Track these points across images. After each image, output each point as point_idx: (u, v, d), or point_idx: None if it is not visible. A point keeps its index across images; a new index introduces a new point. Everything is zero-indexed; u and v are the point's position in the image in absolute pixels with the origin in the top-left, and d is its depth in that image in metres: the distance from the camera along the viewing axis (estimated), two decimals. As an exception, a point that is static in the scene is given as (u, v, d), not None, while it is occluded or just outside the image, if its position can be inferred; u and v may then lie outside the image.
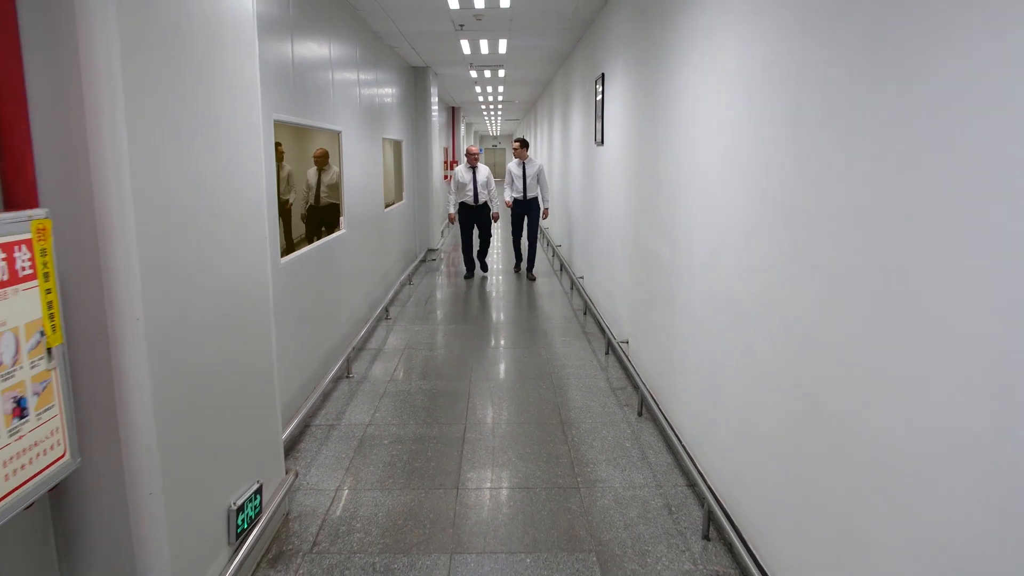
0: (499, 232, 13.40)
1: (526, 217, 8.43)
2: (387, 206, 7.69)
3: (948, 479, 1.42)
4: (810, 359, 2.06)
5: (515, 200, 8.36)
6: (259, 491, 2.58)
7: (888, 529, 1.65)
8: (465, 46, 7.86)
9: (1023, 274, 1.21)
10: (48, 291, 1.51)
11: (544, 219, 9.05)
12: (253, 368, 2.63)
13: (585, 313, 6.71)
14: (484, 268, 8.91)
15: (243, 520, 2.45)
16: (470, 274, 8.72)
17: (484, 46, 7.88)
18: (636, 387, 4.27)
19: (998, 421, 1.28)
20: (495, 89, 12.91)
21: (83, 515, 1.84)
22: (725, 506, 2.76)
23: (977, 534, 1.34)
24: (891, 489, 1.63)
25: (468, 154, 8.36)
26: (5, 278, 1.39)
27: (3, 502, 1.37)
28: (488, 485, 3.28)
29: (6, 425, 1.38)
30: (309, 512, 3.04)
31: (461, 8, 5.86)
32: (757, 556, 2.44)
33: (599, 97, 6.13)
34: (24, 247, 1.44)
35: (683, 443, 3.36)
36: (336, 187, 7.53)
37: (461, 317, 6.75)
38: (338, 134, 5.37)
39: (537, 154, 14.09)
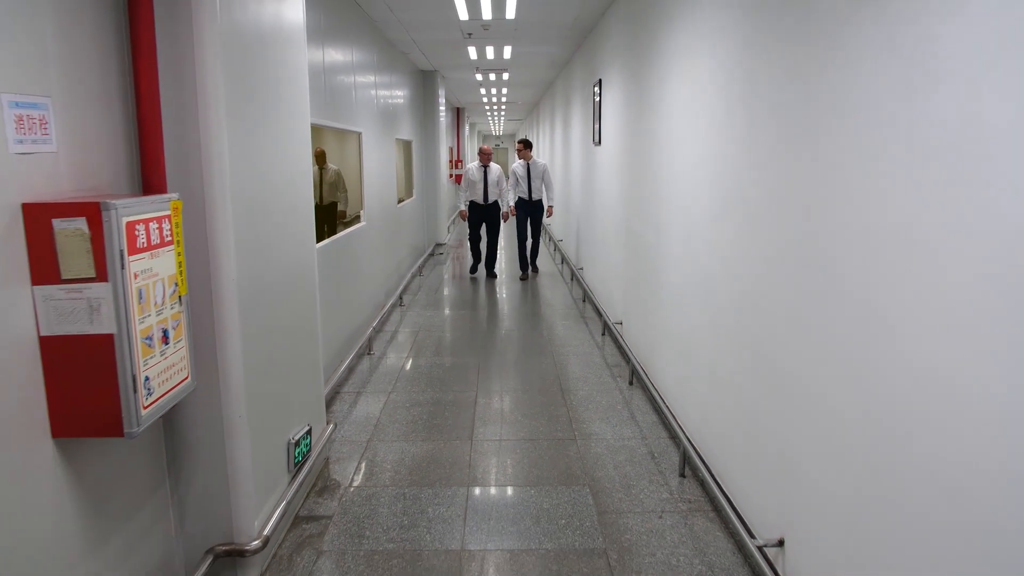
0: (502, 239, 13.90)
1: (531, 219, 8.49)
2: (399, 202, 8.23)
3: (847, 407, 1.95)
4: (758, 318, 2.59)
5: (520, 201, 8.41)
6: (309, 432, 3.12)
7: (813, 448, 2.18)
8: (472, 52, 8.39)
9: (901, 248, 1.74)
10: (179, 254, 2.05)
11: (548, 217, 9.08)
12: (303, 328, 3.17)
13: (584, 301, 7.24)
14: (493, 275, 8.69)
15: (299, 454, 2.98)
16: (475, 268, 8.83)
17: (490, 52, 8.41)
18: (628, 360, 4.80)
19: (881, 359, 1.81)
20: (499, 91, 13.44)
21: (189, 432, 2.37)
22: (698, 448, 3.29)
23: (867, 444, 1.87)
24: (814, 415, 2.16)
25: (481, 152, 8.42)
26: (157, 241, 1.92)
27: (156, 403, 1.90)
28: (498, 437, 3.81)
29: (159, 346, 1.92)
30: (346, 457, 3.57)
31: (470, 19, 6.39)
32: (722, 485, 2.97)
33: (597, 99, 6.66)
34: (166, 221, 1.97)
35: (666, 403, 3.89)
36: (335, 186, 8.04)
37: (469, 304, 7.28)
38: (359, 135, 5.90)
39: (539, 153, 14.62)
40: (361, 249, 5.81)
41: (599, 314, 6.24)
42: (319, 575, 2.59)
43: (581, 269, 7.96)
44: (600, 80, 6.47)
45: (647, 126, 4.49)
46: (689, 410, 3.54)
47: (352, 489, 3.24)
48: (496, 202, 8.45)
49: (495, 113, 19.86)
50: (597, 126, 6.71)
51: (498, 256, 9.37)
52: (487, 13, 6.15)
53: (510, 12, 6.09)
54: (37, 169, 1.72)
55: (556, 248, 10.51)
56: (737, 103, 2.78)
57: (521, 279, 8.56)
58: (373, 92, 6.53)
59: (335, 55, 5.03)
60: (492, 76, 10.86)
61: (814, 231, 2.11)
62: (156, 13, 2.10)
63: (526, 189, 8.33)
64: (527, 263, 8.75)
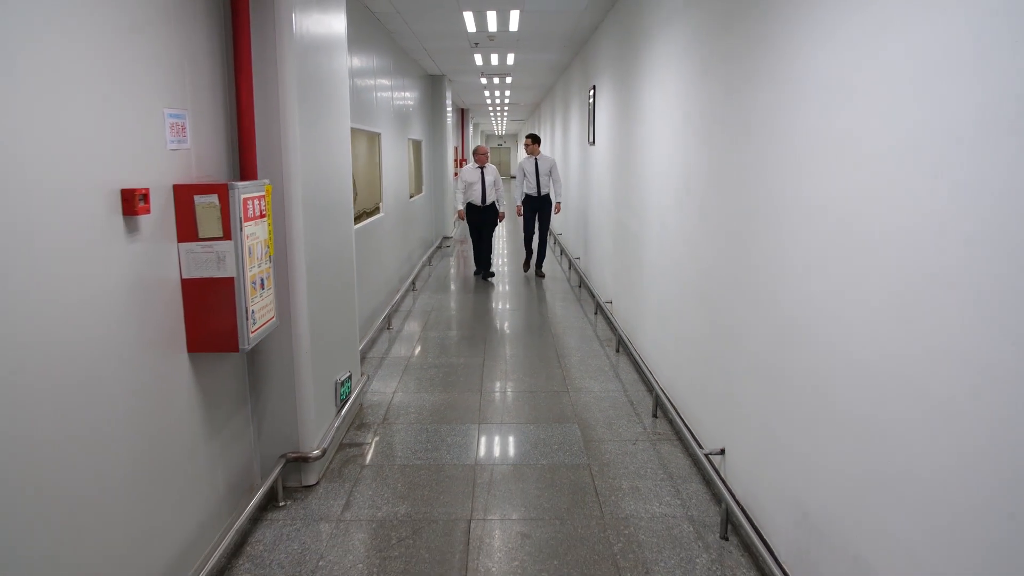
0: (505, 232, 14.61)
1: (538, 215, 8.34)
2: (411, 197, 8.95)
3: (763, 346, 2.67)
4: (711, 283, 3.30)
5: (528, 196, 8.29)
6: (349, 378, 3.83)
7: (743, 379, 2.89)
8: (478, 59, 9.11)
9: (796, 219, 2.45)
10: (270, 224, 2.76)
11: (556, 213, 8.77)
12: (345, 291, 3.88)
13: (580, 287, 7.95)
14: (490, 274, 8.54)
15: (343, 392, 3.70)
16: (479, 272, 8.63)
17: (494, 59, 9.13)
18: (616, 332, 5.52)
19: (785, 298, 2.52)
20: (502, 93, 14.15)
21: (267, 363, 3.09)
22: (667, 395, 4.00)
23: (774, 369, 2.59)
24: (744, 355, 2.88)
25: (476, 153, 8.32)
26: (257, 214, 2.63)
27: (258, 331, 2.62)
28: (502, 390, 4.53)
29: (259, 290, 2.64)
30: (376, 404, 4.30)
31: (477, 31, 7.11)
32: (684, 418, 3.68)
33: (591, 103, 7.37)
34: (262, 199, 2.68)
35: (645, 364, 4.60)
36: None
37: (475, 289, 7.99)
38: (378, 135, 6.62)
39: (542, 151, 15.33)
40: (380, 237, 6.53)
41: (592, 296, 6.96)
42: (364, 480, 3.31)
43: (578, 259, 8.68)
44: (594, 86, 7.19)
45: (632, 129, 5.20)
46: (662, 366, 4.26)
47: (384, 425, 3.97)
48: (493, 204, 8.32)
49: (498, 114, 20.57)
50: (592, 127, 7.42)
51: (493, 257, 9.29)
52: (492, 27, 6.87)
53: (513, 26, 6.81)
54: (180, 161, 2.44)
55: (556, 241, 11.23)
56: (694, 113, 3.50)
57: (525, 271, 8.74)
58: (389, 96, 7.25)
59: (359, 64, 5.74)
60: (496, 80, 11.58)
61: (745, 211, 2.83)
62: (252, 51, 2.82)
63: (534, 184, 8.21)
64: (531, 252, 8.72)
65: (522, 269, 8.97)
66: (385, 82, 7.01)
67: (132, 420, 2.13)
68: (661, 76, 4.24)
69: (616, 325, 5.53)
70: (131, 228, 2.13)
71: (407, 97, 8.59)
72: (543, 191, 8.27)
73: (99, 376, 1.96)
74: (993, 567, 1.40)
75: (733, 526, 2.84)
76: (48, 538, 1.74)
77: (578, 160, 8.81)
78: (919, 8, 1.63)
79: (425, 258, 9.41)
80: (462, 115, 17.88)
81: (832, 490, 2.08)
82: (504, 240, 12.48)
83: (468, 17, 6.46)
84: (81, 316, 1.88)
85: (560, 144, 11.25)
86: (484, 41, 7.69)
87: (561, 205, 9.19)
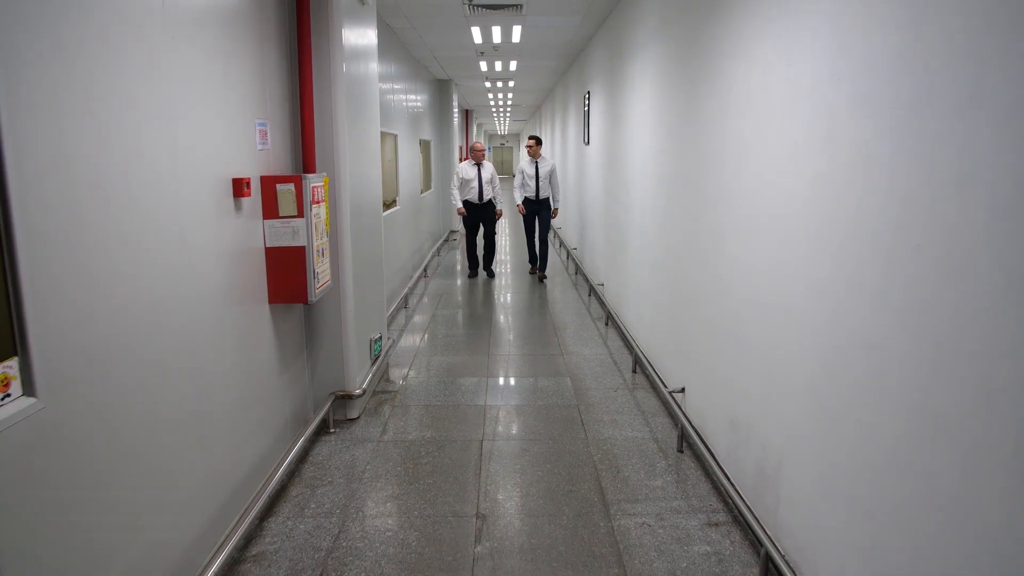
0: (505, 232, 15.40)
1: (537, 217, 8.31)
2: (422, 192, 9.75)
3: (707, 300, 3.47)
4: (674, 258, 4.09)
5: (527, 200, 8.22)
6: (380, 338, 4.63)
7: (695, 328, 3.69)
8: (483, 65, 9.90)
9: (726, 201, 3.25)
10: (327, 207, 3.56)
11: (554, 218, 8.74)
12: (376, 265, 4.68)
13: (576, 273, 8.74)
14: (491, 274, 8.57)
15: (376, 349, 4.50)
16: (474, 273, 8.59)
17: (498, 65, 9.92)
18: (605, 308, 6.31)
19: (719, 259, 3.32)
20: (505, 96, 14.95)
21: (320, 318, 3.88)
22: (645, 354, 4.79)
23: (714, 316, 3.38)
24: (695, 309, 3.68)
25: (473, 150, 8.21)
26: (320, 199, 3.43)
27: (320, 288, 3.42)
28: (506, 354, 5.32)
29: (321, 258, 3.43)
30: (400, 364, 5.09)
31: (483, 43, 7.91)
32: (657, 371, 4.47)
33: (586, 108, 8.16)
34: (321, 188, 3.48)
35: (628, 332, 5.39)
36: None
37: (481, 276, 8.79)
38: (395, 136, 7.42)
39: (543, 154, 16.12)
40: (396, 227, 7.33)
41: (587, 280, 7.75)
42: (395, 416, 4.11)
43: (575, 249, 9.48)
44: (589, 92, 7.98)
45: (619, 130, 6.00)
46: (640, 330, 5.05)
47: (408, 378, 4.76)
48: (491, 201, 8.30)
49: (501, 114, 21.36)
50: (587, 129, 8.21)
51: (496, 255, 9.23)
52: (497, 39, 7.66)
53: (516, 38, 7.60)
54: (263, 158, 3.24)
55: (556, 235, 12.02)
56: (664, 115, 4.29)
57: (531, 273, 8.74)
58: (404, 100, 8.05)
59: (382, 69, 6.53)
60: (499, 84, 12.37)
61: (697, 198, 3.62)
62: (314, 74, 3.62)
63: (533, 188, 8.13)
64: (535, 257, 8.59)
65: (527, 268, 9.05)
66: (400, 87, 7.80)
67: (235, 356, 2.93)
68: (640, 86, 5.04)
69: (606, 302, 6.32)
70: (238, 208, 2.93)
71: (418, 100, 9.39)
72: (542, 195, 8.19)
73: (219, 317, 2.75)
74: (845, 429, 2.19)
75: (687, 443, 3.64)
76: (176, 444, 2.54)
77: (575, 158, 9.60)
78: (785, 53, 2.42)
79: (434, 250, 10.22)
80: (467, 116, 18.66)
81: (749, 402, 2.87)
82: (506, 235, 13.29)
83: (475, 31, 7.26)
84: (210, 272, 2.68)
85: (559, 143, 12.04)
86: (489, 51, 8.48)
87: (559, 211, 9.08)
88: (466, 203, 8.28)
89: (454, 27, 7.06)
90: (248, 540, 2.81)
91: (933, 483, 1.64)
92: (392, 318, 6.40)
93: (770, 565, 2.52)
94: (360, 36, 4.15)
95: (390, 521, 2.97)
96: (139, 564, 2.14)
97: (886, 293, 1.83)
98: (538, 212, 8.29)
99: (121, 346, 2.05)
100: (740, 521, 2.91)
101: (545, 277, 8.46)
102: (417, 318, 6.52)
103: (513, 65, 9.87)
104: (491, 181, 8.27)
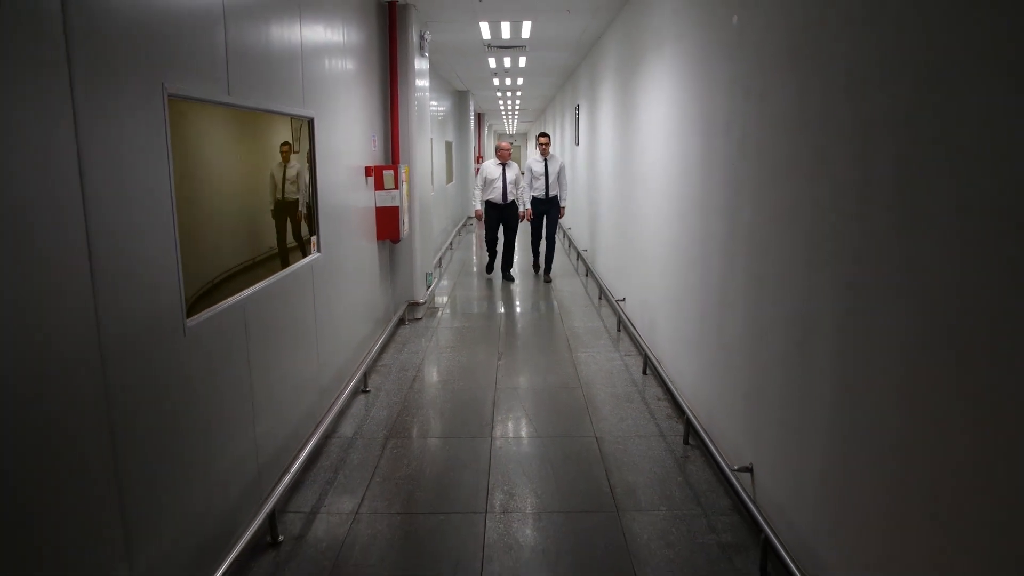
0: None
1: (545, 217, 8.25)
2: (447, 183, 12.14)
3: (647, 263, 5.85)
4: (639, 230, 6.46)
5: (535, 199, 8.16)
6: (430, 274, 7.02)
7: (647, 282, 6.06)
8: (495, 81, 12.28)
9: (657, 192, 5.62)
10: (407, 184, 5.94)
11: (562, 217, 8.64)
12: (430, 226, 7.06)
13: (578, 259, 11.10)
14: (511, 278, 8.41)
15: (428, 280, 6.88)
16: (490, 269, 8.62)
17: (508, 81, 12.30)
18: (598, 285, 8.67)
19: (639, 232, 5.69)
20: (513, 103, 17.32)
21: (398, 254, 6.26)
22: (628, 317, 7.14)
23: (642, 271, 5.76)
24: (644, 270, 6.05)
25: (498, 149, 8.18)
26: (404, 179, 5.80)
27: (405, 232, 5.79)
28: (514, 320, 7.70)
29: (404, 214, 5.82)
30: (441, 294, 7.48)
31: (496, 67, 10.29)
32: (632, 323, 6.82)
33: (576, 116, 10.51)
34: (404, 172, 5.85)
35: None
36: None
37: (496, 274, 11.18)
38: (430, 139, 9.81)
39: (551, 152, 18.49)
40: (433, 209, 9.72)
41: (599, 285, 10.12)
42: (443, 320, 6.51)
43: (570, 228, 11.83)
44: (578, 105, 10.34)
45: (596, 135, 8.35)
46: (629, 304, 7.41)
47: (446, 302, 7.15)
48: (514, 202, 8.18)
49: (509, 116, 23.73)
50: (576, 133, 10.56)
51: (515, 258, 8.97)
52: (507, 64, 10.04)
53: (522, 64, 9.97)
54: (373, 155, 5.62)
55: (564, 235, 14.39)
56: (616, 127, 6.64)
57: (534, 270, 8.81)
58: (435, 110, 10.44)
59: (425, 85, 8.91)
60: (508, 94, 14.74)
61: (627, 176, 5.98)
62: (399, 105, 6.01)
63: (542, 186, 8.07)
64: (539, 260, 8.64)
65: (532, 271, 8.97)
66: (433, 101, 10.19)
67: (361, 272, 5.31)
68: (605, 106, 7.40)
69: (600, 280, 8.68)
70: (367, 183, 5.31)
71: (443, 109, 11.78)
72: (551, 193, 8.14)
73: (360, 252, 5.12)
74: (681, 301, 4.56)
75: (623, 327, 6.00)
76: (346, 319, 4.93)
77: (569, 155, 11.96)
78: (653, 99, 4.78)
79: (455, 230, 12.61)
80: (479, 119, 21.03)
81: (647, 290, 5.22)
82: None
83: (491, 60, 9.64)
84: (359, 221, 5.07)
85: (558, 141, 14.41)
86: (502, 71, 10.86)
87: (566, 209, 8.78)
88: (489, 203, 8.15)
89: (475, 58, 9.44)
90: (373, 362, 5.19)
91: (690, 326, 4.00)
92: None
93: (648, 361, 4.89)
94: (421, 78, 6.54)
95: (449, 353, 5.38)
96: (346, 359, 4.52)
97: (694, 227, 4.19)
98: (546, 212, 8.23)
99: (343, 245, 4.43)
100: (641, 351, 5.26)
101: (550, 280, 8.47)
102: (448, 275, 8.92)
103: (520, 80, 12.24)
104: (515, 182, 8.12)
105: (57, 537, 1.68)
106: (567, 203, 8.72)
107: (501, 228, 8.27)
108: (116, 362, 1.89)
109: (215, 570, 2.37)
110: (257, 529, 2.67)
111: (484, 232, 8.37)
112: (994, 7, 1.47)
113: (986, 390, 1.48)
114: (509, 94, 14.88)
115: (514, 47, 8.42)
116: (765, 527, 2.59)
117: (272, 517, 2.81)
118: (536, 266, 8.74)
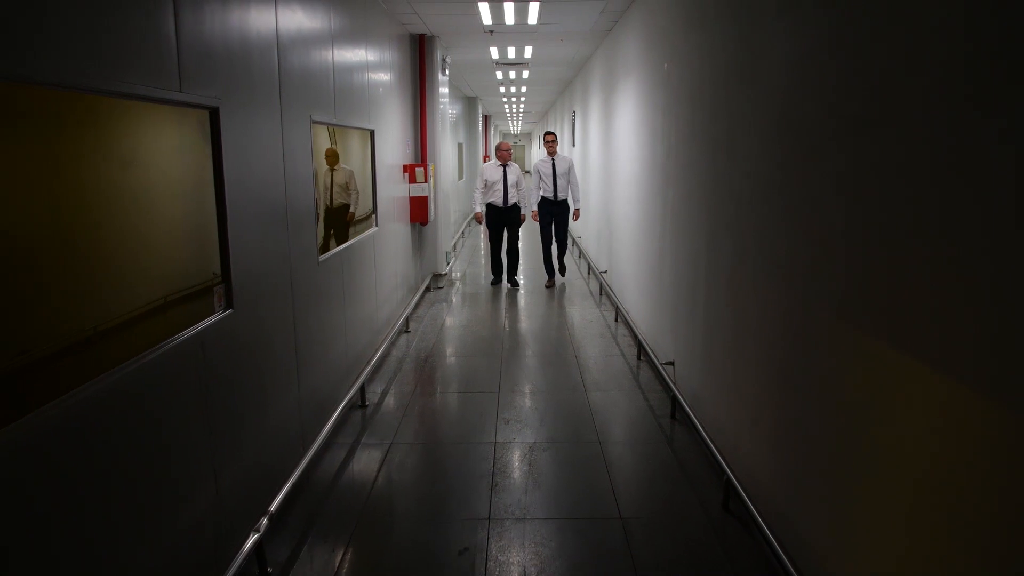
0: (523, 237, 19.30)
1: (554, 221, 7.94)
2: (458, 180, 13.67)
3: (626, 244, 7.38)
4: (627, 225, 7.98)
5: (544, 200, 7.86)
6: (449, 252, 8.54)
7: (624, 256, 7.58)
8: (502, 89, 13.80)
9: (629, 183, 7.14)
10: (433, 179, 7.46)
11: (575, 220, 8.30)
12: (447, 211, 8.59)
13: (580, 257, 12.61)
14: (515, 284, 8.24)
15: (448, 257, 8.42)
16: (498, 280, 8.31)
17: (513, 89, 13.82)
18: (599, 281, 10.19)
19: (613, 213, 7.22)
20: (518, 106, 18.84)
21: (425, 236, 7.79)
22: (624, 306, 8.66)
23: (617, 250, 7.29)
24: (625, 253, 7.58)
25: (499, 150, 7.90)
26: (431, 173, 7.32)
27: (431, 218, 7.31)
28: (518, 310, 9.21)
29: (433, 204, 7.34)
30: (457, 270, 9.01)
31: (503, 78, 11.82)
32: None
33: (573, 120, 12.03)
34: (431, 170, 7.37)
35: (617, 299, 9.25)
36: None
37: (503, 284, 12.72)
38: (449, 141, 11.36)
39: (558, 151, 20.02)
40: (445, 203, 11.27)
41: (587, 262, 11.64)
42: (458, 288, 8.04)
43: (579, 237, 13.33)
44: (574, 111, 11.85)
45: (587, 138, 9.87)
46: (624, 295, 8.93)
47: (462, 280, 8.68)
48: (516, 204, 7.92)
49: (514, 118, 25.24)
50: (573, 134, 12.08)
51: (520, 263, 8.75)
52: (513, 76, 11.57)
53: (526, 75, 11.50)
54: (407, 155, 7.15)
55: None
56: (601, 131, 8.15)
57: (547, 286, 8.22)
58: (448, 114, 11.96)
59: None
60: (515, 98, 16.28)
61: (608, 172, 7.49)
62: (426, 113, 7.55)
63: (551, 187, 7.78)
64: (553, 269, 8.25)
65: (545, 285, 8.34)
66: (448, 105, 11.72)
67: (399, 248, 6.84)
68: (593, 114, 8.91)
69: (598, 276, 10.20)
70: (403, 178, 6.85)
71: (456, 113, 13.31)
72: (560, 195, 7.84)
73: (399, 231, 6.65)
74: (639, 263, 6.08)
75: (605, 293, 7.51)
76: (389, 286, 6.47)
77: (579, 160, 13.48)
78: (623, 113, 6.30)
79: (465, 222, 14.14)
80: (485, 120, 22.53)
81: (630, 290, 6.73)
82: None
83: (499, 73, 11.17)
84: (398, 208, 6.60)
85: (567, 144, 15.94)
86: (508, 85, 12.38)
87: (580, 212, 8.39)
88: (490, 206, 7.92)
89: (485, 72, 10.97)
90: (408, 317, 6.71)
91: (643, 280, 5.52)
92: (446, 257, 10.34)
93: (619, 312, 6.41)
94: (442, 93, 8.07)
95: (467, 310, 6.93)
96: (391, 310, 6.04)
97: (645, 208, 5.70)
98: (556, 215, 7.91)
99: (389, 225, 5.96)
100: (614, 306, 6.77)
101: (553, 285, 8.28)
102: (461, 259, 10.47)
103: (524, 88, 13.77)
104: (516, 184, 7.85)
105: (274, 379, 3.23)
106: (580, 204, 8.31)
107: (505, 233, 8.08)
108: (295, 271, 3.44)
109: (330, 415, 3.90)
110: (351, 396, 4.21)
111: (489, 233, 8.14)
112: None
113: (763, 287, 3.00)
114: (514, 100, 16.39)
115: (518, 64, 9.95)
116: (675, 391, 4.12)
117: (363, 388, 4.36)
118: (550, 282, 8.20)
